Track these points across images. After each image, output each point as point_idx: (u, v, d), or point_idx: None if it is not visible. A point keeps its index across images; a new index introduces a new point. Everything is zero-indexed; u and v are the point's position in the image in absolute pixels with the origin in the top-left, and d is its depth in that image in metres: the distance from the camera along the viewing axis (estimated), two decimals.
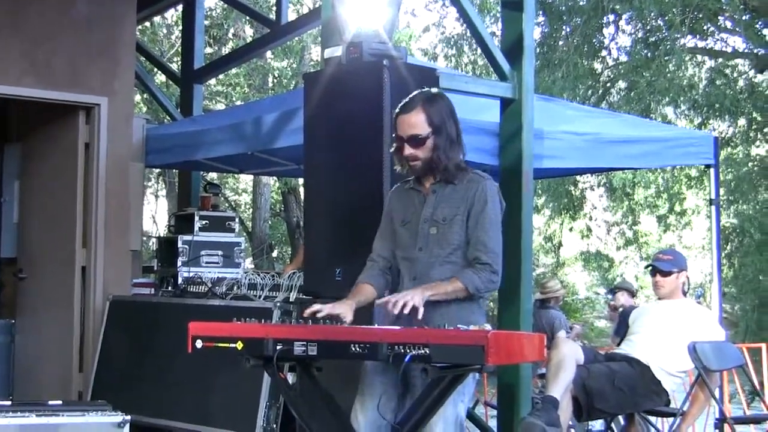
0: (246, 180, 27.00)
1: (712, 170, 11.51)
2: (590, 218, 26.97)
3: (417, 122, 5.93)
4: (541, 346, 5.22)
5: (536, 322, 13.69)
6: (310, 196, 8.23)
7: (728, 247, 23.13)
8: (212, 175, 19.68)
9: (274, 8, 13.76)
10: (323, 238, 7.75)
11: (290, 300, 9.01)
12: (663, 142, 11.18)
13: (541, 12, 22.12)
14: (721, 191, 22.97)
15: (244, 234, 25.04)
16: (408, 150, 5.96)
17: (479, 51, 19.51)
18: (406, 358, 4.78)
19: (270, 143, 10.24)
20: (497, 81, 9.25)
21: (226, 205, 22.65)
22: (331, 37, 8.21)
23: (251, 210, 25.09)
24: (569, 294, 31.28)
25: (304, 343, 5.01)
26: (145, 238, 12.87)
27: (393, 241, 6.18)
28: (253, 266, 22.60)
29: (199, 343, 5.36)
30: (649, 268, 9.35)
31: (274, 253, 28.23)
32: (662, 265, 9.07)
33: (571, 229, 27.63)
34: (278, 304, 8.67)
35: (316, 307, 5.74)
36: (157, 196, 28.30)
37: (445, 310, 5.74)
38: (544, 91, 19.81)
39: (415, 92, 6.21)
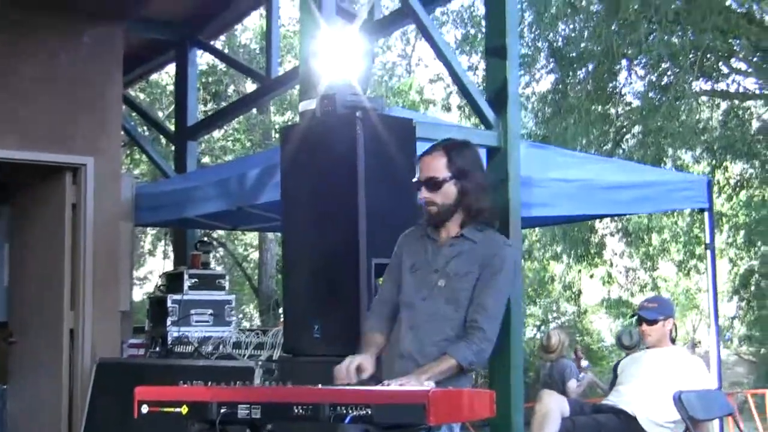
0: (253, 236, 27.11)
1: (706, 214, 11.57)
2: (611, 264, 26.96)
3: (436, 165, 5.93)
4: (492, 403, 5.20)
5: (550, 374, 13.80)
6: (287, 251, 8.26)
7: (750, 290, 23.19)
8: (220, 233, 19.81)
9: None
10: (300, 293, 7.71)
11: (273, 358, 9.08)
12: (655, 187, 11.20)
13: (552, 60, 22.30)
14: (741, 233, 23.19)
15: (252, 290, 25.11)
16: (424, 193, 6.00)
17: None
18: (347, 419, 4.82)
19: (254, 198, 10.25)
20: (482, 129, 9.29)
21: (225, 261, 22.61)
22: (307, 91, 8.32)
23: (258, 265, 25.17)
24: (595, 342, 31.23)
25: (248, 406, 4.98)
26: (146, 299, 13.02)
27: (399, 285, 6.21)
28: (260, 323, 22.63)
29: (145, 408, 5.30)
30: (635, 317, 9.44)
31: (281, 309, 28.15)
32: (647, 314, 9.11)
33: (591, 276, 27.59)
34: (260, 362, 8.74)
35: (359, 360, 5.84)
36: (166, 257, 28.34)
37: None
38: (555, 138, 20.00)
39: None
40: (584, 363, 14.95)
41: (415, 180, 5.99)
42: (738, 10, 20.43)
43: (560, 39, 22.01)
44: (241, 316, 20.30)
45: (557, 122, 21.34)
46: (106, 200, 11.51)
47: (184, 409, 5.17)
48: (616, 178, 11.02)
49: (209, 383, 5.46)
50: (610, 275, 26.88)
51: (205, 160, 19.66)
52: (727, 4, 20.42)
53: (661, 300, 10.31)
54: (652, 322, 9.05)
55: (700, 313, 26.98)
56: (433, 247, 5.99)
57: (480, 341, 5.68)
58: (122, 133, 12.94)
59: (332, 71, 7.96)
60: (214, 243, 16.11)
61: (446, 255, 5.90)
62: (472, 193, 5.89)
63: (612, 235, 25.49)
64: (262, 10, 13.74)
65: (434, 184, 5.86)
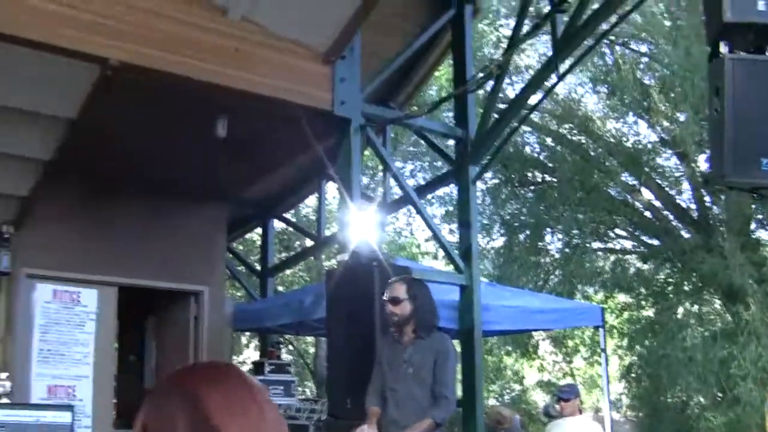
0: (311, 339, 26.96)
1: (600, 330, 11.48)
2: (543, 359, 26.85)
3: (398, 289, 6.12)
4: None
5: None
6: (330, 350, 8.24)
7: (632, 375, 23.19)
8: (288, 336, 19.69)
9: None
10: (339, 376, 7.69)
11: (320, 420, 9.07)
12: (569, 311, 11.27)
13: (503, 227, 22.44)
14: (624, 339, 23.19)
15: (310, 373, 24.88)
16: (389, 307, 6.13)
17: None
18: None
19: (310, 315, 10.24)
20: (456, 273, 9.27)
21: (290, 355, 22.43)
22: (342, 247, 8.41)
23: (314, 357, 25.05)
24: (534, 409, 30.97)
25: None
26: None
27: (383, 375, 6.27)
28: (316, 396, 22.33)
29: None
30: (555, 396, 9.47)
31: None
32: (564, 395, 9.20)
33: (531, 366, 27.48)
34: (313, 422, 8.73)
35: (363, 428, 5.91)
36: (256, 349, 28.15)
37: None
38: (505, 279, 20.05)
39: (398, 273, 6.44)
40: None
41: (384, 298, 6.13)
42: (618, 198, 20.70)
43: (507, 214, 22.17)
44: (301, 390, 20.07)
45: (506, 268, 21.44)
46: (215, 314, 11.54)
47: None
48: (543, 305, 11.05)
49: None
50: (542, 365, 26.74)
51: (280, 288, 19.66)
52: (612, 194, 20.70)
53: (572, 385, 10.33)
54: (567, 400, 9.07)
55: (601, 391, 26.75)
56: (400, 347, 6.11)
57: (446, 405, 5.90)
58: (226, 270, 13.00)
59: (358, 235, 8.05)
60: (285, 342, 16.06)
61: (410, 352, 6.03)
62: (420, 309, 6.02)
63: (543, 340, 25.43)
64: (316, 194, 13.89)
65: (395, 302, 5.98)
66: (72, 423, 7.20)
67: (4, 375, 5.34)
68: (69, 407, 7.51)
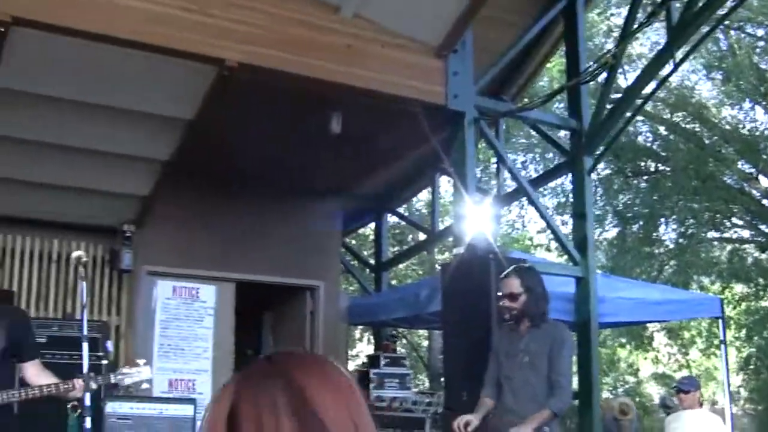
0: (424, 331, 26.99)
1: (720, 321, 11.22)
2: (658, 351, 26.41)
3: (512, 284, 6.09)
4: None
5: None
6: (446, 342, 8.26)
7: (750, 367, 22.73)
8: (402, 329, 19.76)
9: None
10: (455, 370, 7.72)
11: (437, 413, 9.06)
12: (684, 303, 11.00)
13: (616, 218, 22.13)
14: (743, 331, 22.63)
15: (423, 366, 24.90)
16: (507, 303, 6.10)
17: None
18: None
19: (425, 308, 10.19)
20: (571, 265, 9.21)
21: (403, 349, 22.47)
22: (458, 240, 8.41)
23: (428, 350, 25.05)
24: (649, 402, 30.53)
25: None
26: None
27: (499, 364, 6.26)
28: (429, 388, 22.34)
29: None
30: (675, 388, 9.27)
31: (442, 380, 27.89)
32: (684, 387, 8.99)
33: (645, 358, 27.04)
34: (429, 415, 8.73)
35: (467, 418, 5.91)
36: (368, 342, 28.33)
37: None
38: (618, 270, 19.76)
39: (513, 265, 6.40)
40: None
41: (499, 294, 6.16)
42: (735, 186, 20.18)
43: (620, 204, 21.83)
44: (415, 384, 20.13)
45: (619, 259, 21.15)
46: (331, 309, 11.62)
47: None
48: (661, 297, 10.82)
49: (396, 429, 5.48)
50: (657, 357, 26.29)
51: (393, 282, 19.70)
52: (728, 182, 20.19)
53: (692, 378, 10.11)
54: (686, 392, 8.87)
55: (717, 383, 26.17)
56: (517, 336, 6.07)
57: (563, 395, 5.85)
58: (341, 265, 13.09)
59: (474, 228, 8.01)
60: (399, 335, 16.13)
61: (526, 341, 5.99)
62: (535, 298, 5.97)
63: (658, 331, 24.99)
64: (429, 188, 13.87)
65: (512, 297, 5.92)
66: (194, 416, 7.33)
67: (141, 361, 5.44)
68: (191, 401, 7.64)
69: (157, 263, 10.48)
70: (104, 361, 6.45)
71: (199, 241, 10.76)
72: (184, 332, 10.65)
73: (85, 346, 4.96)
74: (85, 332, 5.04)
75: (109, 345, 7.71)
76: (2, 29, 6.63)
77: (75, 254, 5.24)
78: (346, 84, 7.88)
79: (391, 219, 15.60)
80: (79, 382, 4.93)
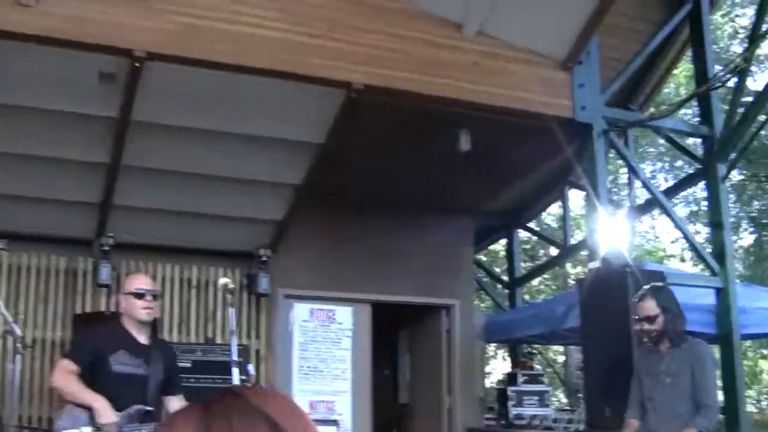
0: (558, 347, 26.71)
1: None
2: None
3: (648, 307, 5.97)
4: None
5: None
6: (586, 358, 8.14)
7: None
8: (537, 345, 19.56)
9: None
10: (595, 386, 7.62)
11: (579, 430, 8.90)
12: None
13: (751, 224, 21.51)
14: None
15: (560, 381, 24.61)
16: (645, 326, 5.98)
17: None
18: None
19: (561, 324, 10.05)
20: (709, 275, 8.94)
21: (539, 365, 22.27)
22: (593, 255, 8.26)
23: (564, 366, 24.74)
24: None
25: None
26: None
27: (641, 386, 6.15)
28: (567, 404, 22.08)
29: None
30: None
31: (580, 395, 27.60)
32: None
33: None
34: None
35: None
36: (503, 360, 28.14)
37: None
38: (757, 279, 19.15)
39: (646, 287, 6.24)
40: None
41: (635, 318, 6.10)
42: None
43: (755, 211, 21.22)
44: (552, 400, 19.97)
45: (757, 267, 20.54)
46: (466, 327, 11.53)
47: None
48: None
49: None
50: None
51: (527, 298, 19.53)
52: None
53: None
54: None
55: None
56: (657, 357, 5.99)
57: (708, 413, 5.78)
58: (474, 282, 13.01)
59: (608, 241, 7.87)
60: (536, 352, 16.01)
61: (667, 361, 5.93)
62: (672, 318, 5.81)
63: None
64: (559, 203, 13.71)
65: (650, 319, 5.79)
66: None
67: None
68: (334, 422, 7.72)
69: (293, 286, 10.60)
70: (248, 384, 6.53)
71: (333, 263, 10.84)
72: (322, 354, 10.74)
73: (236, 371, 5.04)
74: (235, 357, 5.10)
75: (251, 368, 7.81)
76: (138, 64, 6.84)
77: (222, 281, 5.33)
78: (473, 102, 7.86)
79: (522, 234, 15.46)
80: None
